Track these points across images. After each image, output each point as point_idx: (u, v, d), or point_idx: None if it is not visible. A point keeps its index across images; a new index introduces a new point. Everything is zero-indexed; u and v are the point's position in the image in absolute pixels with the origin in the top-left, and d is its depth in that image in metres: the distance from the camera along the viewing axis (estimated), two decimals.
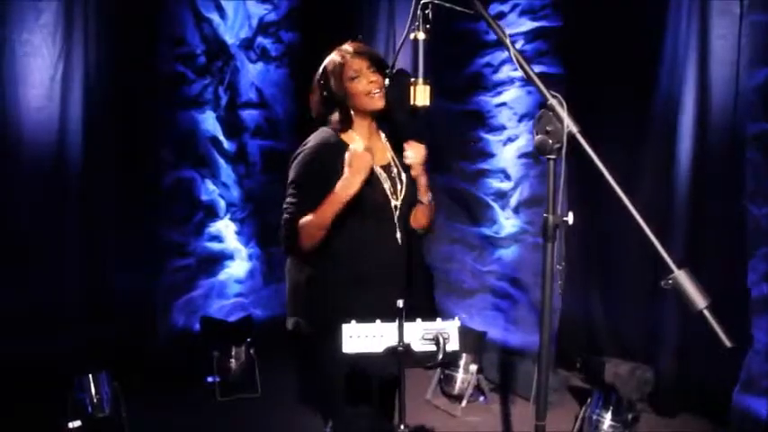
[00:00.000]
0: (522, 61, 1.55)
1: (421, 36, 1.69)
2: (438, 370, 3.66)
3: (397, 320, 1.49)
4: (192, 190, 4.10)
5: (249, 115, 4.31)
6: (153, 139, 3.89)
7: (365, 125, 1.99)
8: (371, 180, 1.93)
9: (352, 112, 1.96)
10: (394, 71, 1.84)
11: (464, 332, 3.59)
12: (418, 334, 1.47)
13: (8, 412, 3.15)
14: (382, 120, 2.03)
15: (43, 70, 3.44)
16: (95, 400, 3.05)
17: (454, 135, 4.07)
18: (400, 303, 1.40)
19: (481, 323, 3.94)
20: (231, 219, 4.30)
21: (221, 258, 4.27)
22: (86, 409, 3.02)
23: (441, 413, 3.50)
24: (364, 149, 1.88)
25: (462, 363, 3.55)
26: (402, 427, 1.45)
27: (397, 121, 1.89)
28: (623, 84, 3.39)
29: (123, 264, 3.77)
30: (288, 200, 1.92)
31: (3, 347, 3.28)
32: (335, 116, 1.95)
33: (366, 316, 1.55)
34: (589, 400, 3.03)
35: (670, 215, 3.21)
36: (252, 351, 3.73)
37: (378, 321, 1.49)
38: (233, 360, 3.71)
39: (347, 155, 1.84)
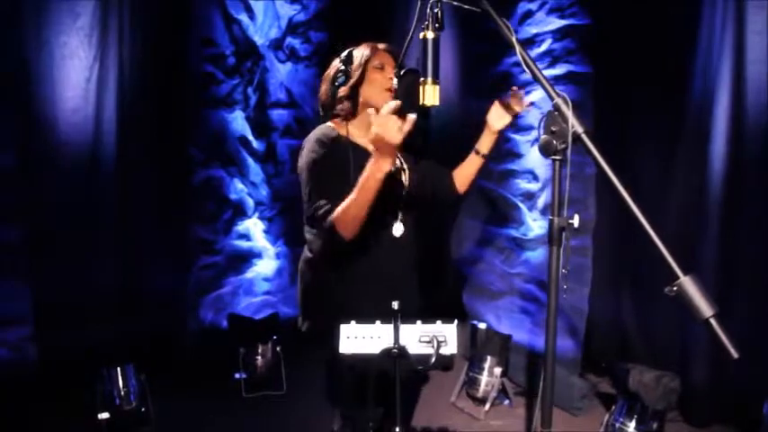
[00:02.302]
0: (529, 60, 1.52)
1: (430, 35, 1.68)
2: (463, 372, 3.62)
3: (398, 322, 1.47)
4: (221, 189, 4.17)
5: (278, 115, 4.35)
6: (184, 138, 3.96)
7: (365, 119, 1.98)
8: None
9: (361, 100, 1.96)
10: (402, 72, 1.83)
11: (489, 335, 3.58)
12: (416, 336, 1.45)
13: (40, 403, 3.26)
14: None
15: (79, 72, 3.52)
16: (123, 393, 3.13)
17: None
18: (396, 305, 1.38)
19: (509, 326, 3.88)
20: (259, 217, 4.35)
21: (249, 256, 4.32)
22: (114, 401, 3.11)
23: (464, 416, 3.46)
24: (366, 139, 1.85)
25: (487, 366, 3.51)
26: (397, 429, 1.44)
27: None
28: (655, 82, 3.28)
29: (154, 260, 3.85)
30: (321, 208, 1.81)
31: (37, 340, 3.40)
32: (344, 99, 1.95)
33: (373, 314, 1.54)
34: (613, 407, 2.96)
35: (704, 216, 3.10)
36: (278, 349, 3.76)
37: (377, 323, 1.48)
38: (259, 357, 3.74)
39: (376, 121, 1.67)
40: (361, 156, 1.92)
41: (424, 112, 1.79)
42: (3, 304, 3.34)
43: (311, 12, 4.36)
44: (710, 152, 3.04)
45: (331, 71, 2.00)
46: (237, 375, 3.70)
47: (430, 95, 1.68)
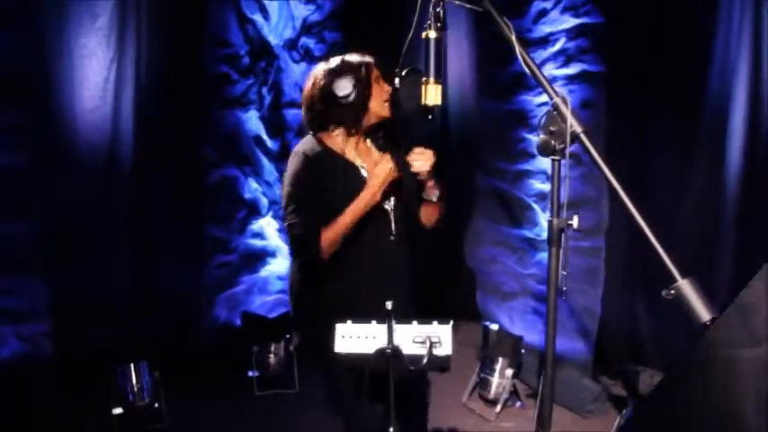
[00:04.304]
0: (528, 59, 1.51)
1: (432, 35, 1.68)
2: (475, 373, 3.61)
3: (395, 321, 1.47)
4: (236, 188, 4.20)
5: (292, 115, 4.36)
6: (199, 137, 3.99)
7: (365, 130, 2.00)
8: (363, 183, 1.92)
9: (369, 113, 1.95)
10: (405, 71, 1.82)
11: (500, 336, 3.56)
12: (411, 336, 1.45)
13: (54, 398, 3.32)
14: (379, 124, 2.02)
15: (97, 72, 3.55)
16: (136, 389, 3.17)
17: (496, 134, 4.00)
18: (389, 305, 1.38)
19: (522, 327, 3.85)
20: (273, 216, 4.37)
21: (263, 255, 4.35)
22: (128, 397, 3.15)
23: (475, 417, 3.45)
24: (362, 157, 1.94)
25: (498, 367, 3.49)
26: (391, 429, 1.44)
27: (408, 121, 1.87)
28: (670, 81, 3.23)
29: (168, 259, 3.88)
30: (293, 218, 1.88)
31: (53, 335, 3.46)
32: (348, 115, 1.92)
33: (366, 317, 1.54)
34: (624, 410, 2.92)
35: (720, 218, 3.05)
36: (291, 347, 3.76)
37: (373, 322, 1.48)
38: (272, 356, 3.75)
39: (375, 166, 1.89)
40: (351, 171, 1.94)
41: (427, 113, 1.77)
42: (19, 300, 3.39)
43: (325, 12, 4.35)
44: (727, 151, 2.99)
45: (320, 83, 1.92)
46: (250, 373, 3.72)
47: (432, 95, 1.68)
